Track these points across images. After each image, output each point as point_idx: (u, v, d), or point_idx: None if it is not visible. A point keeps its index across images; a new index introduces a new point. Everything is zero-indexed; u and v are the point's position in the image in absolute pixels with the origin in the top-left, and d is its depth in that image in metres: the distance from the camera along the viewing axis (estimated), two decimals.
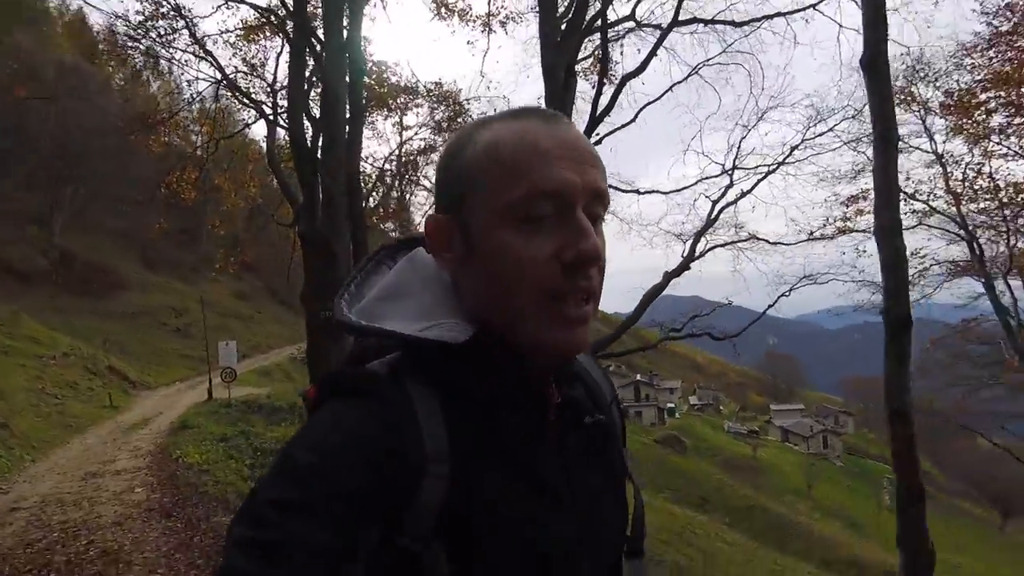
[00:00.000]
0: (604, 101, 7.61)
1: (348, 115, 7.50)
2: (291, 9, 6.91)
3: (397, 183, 13.93)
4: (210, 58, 8.67)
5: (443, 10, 9.70)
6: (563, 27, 7.56)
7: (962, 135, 10.65)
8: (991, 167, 10.49)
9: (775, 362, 62.19)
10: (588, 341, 0.65)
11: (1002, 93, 10.23)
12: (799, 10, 8.21)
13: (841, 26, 8.29)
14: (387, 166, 13.67)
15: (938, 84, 10.85)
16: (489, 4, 9.09)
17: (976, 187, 10.64)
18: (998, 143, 10.31)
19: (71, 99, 23.90)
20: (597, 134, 7.54)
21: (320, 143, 7.21)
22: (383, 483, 0.56)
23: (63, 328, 21.27)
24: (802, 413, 54.77)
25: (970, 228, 10.95)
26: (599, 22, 7.60)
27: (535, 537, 0.63)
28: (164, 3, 8.49)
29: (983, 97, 10.53)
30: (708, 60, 8.80)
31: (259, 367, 26.98)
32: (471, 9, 9.63)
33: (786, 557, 25.59)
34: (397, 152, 13.24)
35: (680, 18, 7.32)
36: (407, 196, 14.59)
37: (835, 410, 55.84)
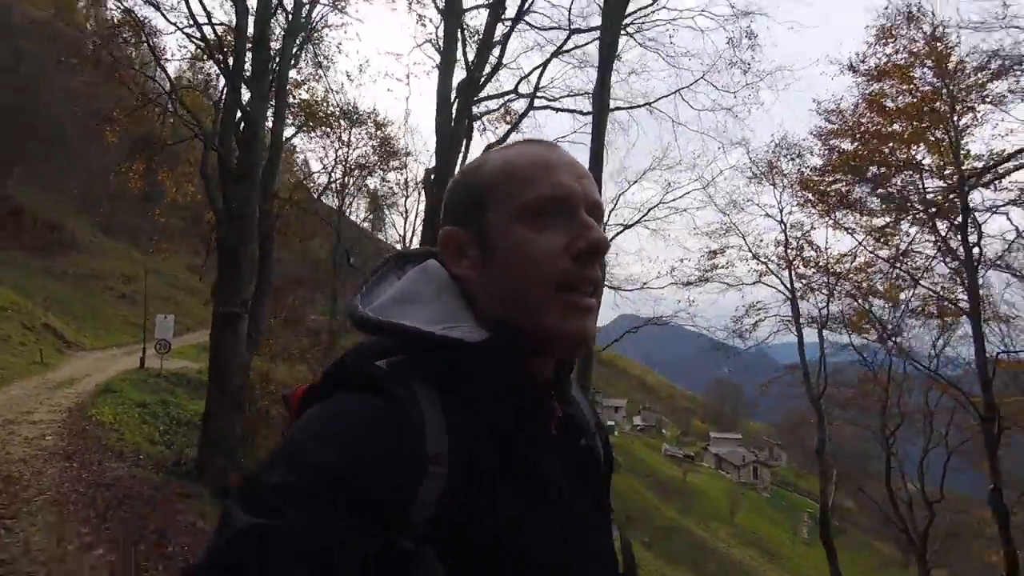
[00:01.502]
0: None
1: (270, 145, 9.15)
2: (225, 56, 8.47)
3: (339, 192, 15.62)
4: (164, 72, 10.25)
5: (381, 53, 11.39)
6: (454, 94, 9.31)
7: (808, 208, 12.82)
8: (826, 238, 12.64)
9: (721, 390, 64.89)
10: (595, 332, 0.75)
11: (838, 176, 12.43)
12: (634, 106, 10.15)
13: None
14: (333, 175, 15.35)
15: (796, 163, 13.03)
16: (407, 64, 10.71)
17: (804, 256, 12.86)
18: (829, 222, 12.43)
19: (37, 57, 24.62)
20: None
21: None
22: (389, 483, 0.57)
23: (8, 281, 22.14)
24: (738, 443, 57.47)
25: (794, 289, 13.16)
26: (486, 92, 9.34)
27: (531, 545, 0.63)
28: (130, 15, 10.00)
29: (829, 179, 12.70)
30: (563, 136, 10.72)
31: (201, 342, 28.03)
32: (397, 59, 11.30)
33: None
34: (343, 164, 14.91)
35: (535, 105, 9.15)
36: (348, 203, 16.27)
37: (770, 442, 58.71)
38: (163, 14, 9.24)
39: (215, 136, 9.21)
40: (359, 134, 13.93)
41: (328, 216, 17.16)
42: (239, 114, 8.95)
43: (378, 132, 13.72)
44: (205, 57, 9.41)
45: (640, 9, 9.52)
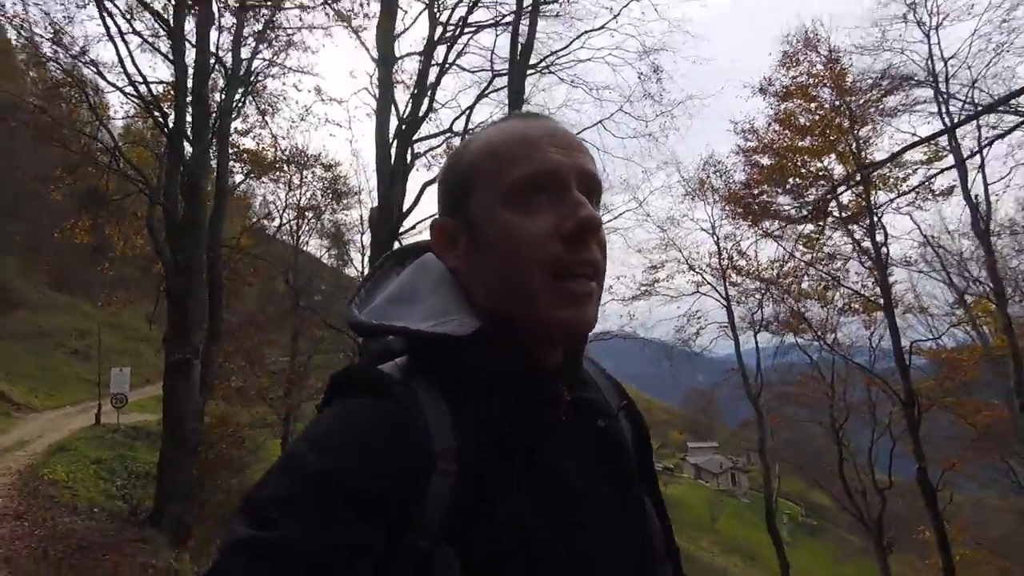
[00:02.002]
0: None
1: (215, 195, 9.54)
2: (166, 117, 8.88)
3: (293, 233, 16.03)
4: (106, 130, 10.57)
5: (323, 99, 11.97)
6: (392, 136, 9.89)
7: (738, 220, 13.80)
8: (755, 247, 13.59)
9: (696, 399, 66.13)
10: (594, 319, 0.67)
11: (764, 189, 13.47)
12: None
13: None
14: (285, 216, 15.73)
15: (724, 178, 14.06)
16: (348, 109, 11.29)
17: (736, 265, 13.82)
18: (758, 232, 13.40)
19: None
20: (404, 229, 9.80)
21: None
22: (391, 482, 0.56)
23: None
24: (715, 450, 58.35)
25: (728, 296, 14.10)
26: (425, 130, 9.96)
27: (544, 537, 0.62)
28: (69, 77, 10.33)
29: (756, 192, 13.72)
30: None
31: (160, 393, 27.58)
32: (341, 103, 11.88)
33: None
34: (294, 208, 15.36)
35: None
36: (305, 242, 16.66)
37: (747, 448, 59.84)
38: (102, 75, 9.63)
39: (160, 190, 9.54)
40: (308, 177, 14.43)
41: (285, 256, 17.48)
42: (182, 167, 9.35)
43: (327, 174, 14.22)
44: (145, 116, 9.75)
45: (553, 53, 10.31)
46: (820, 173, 13.54)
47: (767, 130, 13.46)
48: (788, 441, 22.75)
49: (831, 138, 13.25)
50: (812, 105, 13.17)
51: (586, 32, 10.08)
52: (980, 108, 8.24)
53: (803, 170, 13.31)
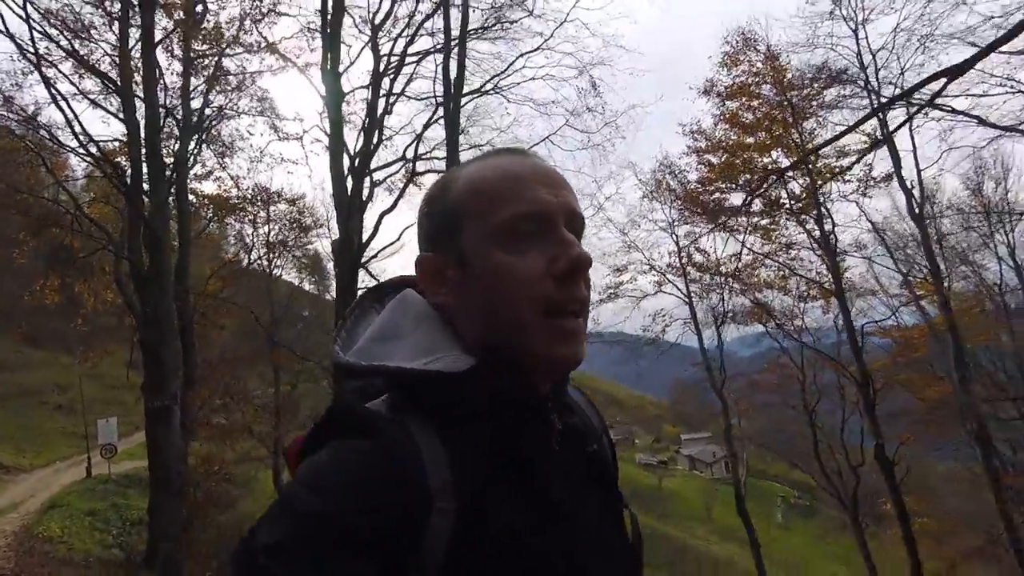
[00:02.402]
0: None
1: (178, 244, 9.87)
2: (123, 173, 9.20)
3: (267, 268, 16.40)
4: (65, 191, 10.84)
5: (280, 136, 12.35)
6: (346, 169, 10.30)
7: (695, 219, 14.40)
8: (714, 242, 14.21)
9: (682, 391, 66.93)
10: (584, 354, 0.69)
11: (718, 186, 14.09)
12: None
13: None
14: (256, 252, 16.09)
15: (679, 178, 14.67)
16: (303, 145, 11.69)
17: (695, 262, 14.43)
18: (716, 228, 14.00)
19: None
20: (366, 258, 10.21)
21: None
22: (388, 524, 0.56)
23: None
24: (708, 440, 59.03)
25: (690, 293, 14.72)
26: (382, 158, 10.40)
27: (551, 565, 0.63)
28: (23, 142, 10.57)
29: (711, 189, 14.34)
30: None
31: None
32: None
33: None
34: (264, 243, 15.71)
35: (418, 170, 10.32)
36: (279, 274, 16.98)
37: (739, 436, 60.60)
38: (54, 139, 9.89)
39: (124, 244, 9.84)
40: (274, 212, 14.77)
41: (262, 289, 17.76)
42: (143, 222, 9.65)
43: (291, 208, 14.58)
44: (100, 175, 10.05)
45: (497, 75, 10.81)
46: (769, 168, 14.17)
47: (714, 130, 14.11)
48: (767, 427, 23.36)
49: (776, 133, 13.91)
50: (756, 103, 13.82)
51: (523, 54, 10.59)
52: (887, 99, 8.87)
53: (752, 166, 13.94)
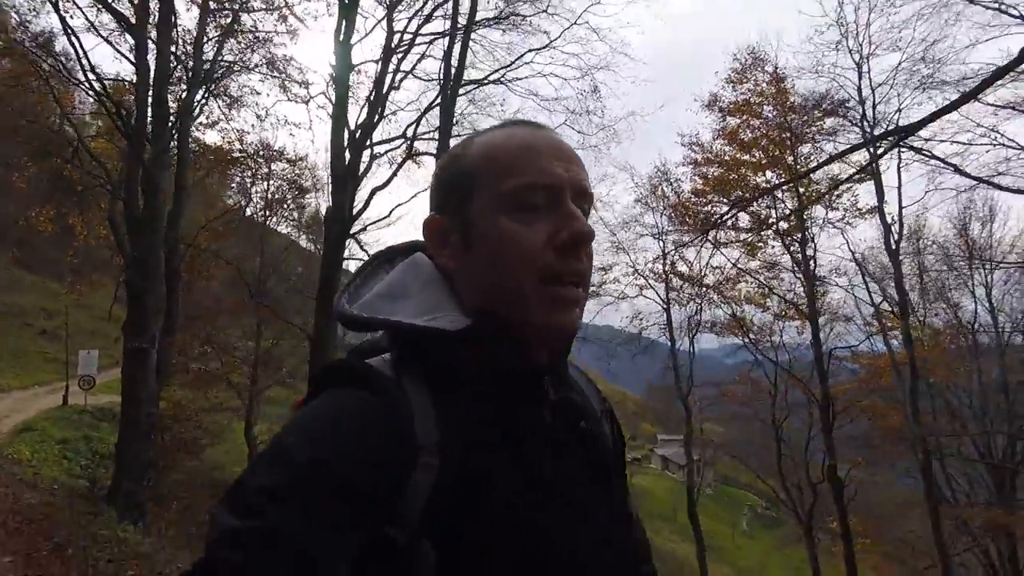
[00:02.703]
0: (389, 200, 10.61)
1: (175, 192, 10.09)
2: (130, 115, 9.37)
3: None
4: (70, 123, 11.00)
5: (288, 94, 12.51)
6: (346, 140, 10.49)
7: (683, 228, 14.69)
8: (699, 253, 14.55)
9: (655, 391, 67.66)
10: (578, 324, 0.71)
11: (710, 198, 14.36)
12: None
13: None
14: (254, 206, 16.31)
15: (674, 186, 14.93)
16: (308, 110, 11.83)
17: (677, 270, 14.78)
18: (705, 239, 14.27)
19: None
20: (355, 230, 10.45)
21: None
22: (376, 474, 0.58)
23: None
24: (682, 443, 59.78)
25: (668, 300, 15.09)
26: (370, 139, 10.58)
27: (528, 535, 0.63)
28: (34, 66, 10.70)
29: (703, 201, 14.59)
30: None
31: None
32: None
33: None
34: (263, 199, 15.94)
35: (416, 150, 10.52)
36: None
37: (714, 441, 61.45)
38: (65, 69, 10.04)
39: (121, 184, 10.05)
40: (276, 170, 14.95)
41: (256, 239, 17.96)
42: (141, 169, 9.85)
43: (292, 168, 14.76)
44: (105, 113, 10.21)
45: (504, 67, 10.95)
46: (763, 186, 14.41)
47: (712, 144, 14.32)
48: (738, 437, 23.88)
49: (773, 154, 14.13)
50: (756, 122, 14.02)
51: (532, 50, 10.72)
52: (874, 135, 9.10)
53: (745, 183, 14.19)
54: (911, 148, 8.48)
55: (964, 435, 12.86)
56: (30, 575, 5.05)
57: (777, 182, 13.31)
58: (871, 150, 11.43)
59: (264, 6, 11.39)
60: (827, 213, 13.55)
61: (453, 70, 8.89)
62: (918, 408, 11.12)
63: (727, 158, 14.32)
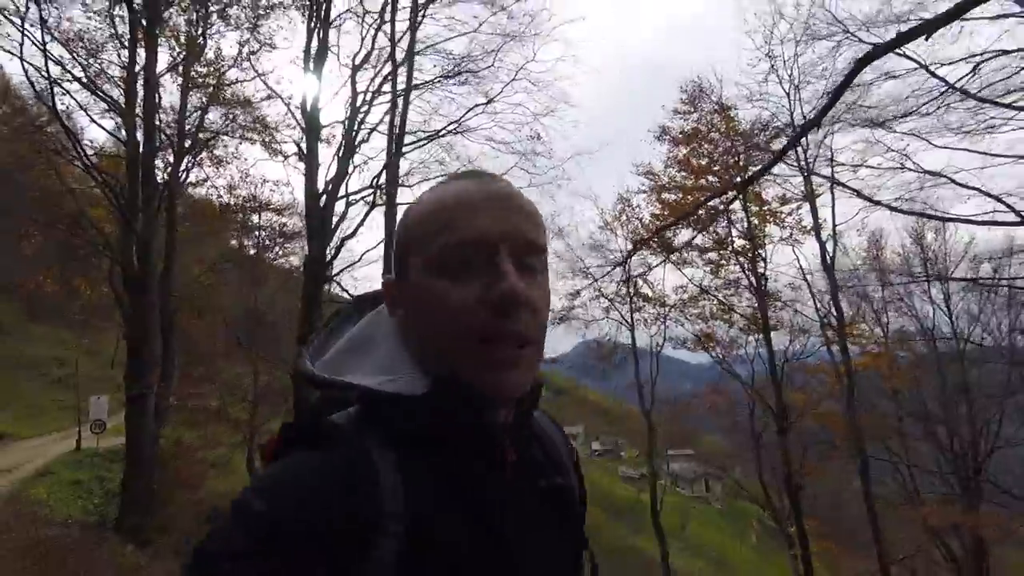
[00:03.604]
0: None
1: (165, 254, 11.42)
2: (122, 189, 10.74)
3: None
4: (72, 196, 12.39)
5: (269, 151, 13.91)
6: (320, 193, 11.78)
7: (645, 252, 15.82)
8: (664, 276, 15.68)
9: (661, 408, 67.77)
10: (523, 384, 0.68)
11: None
12: None
13: None
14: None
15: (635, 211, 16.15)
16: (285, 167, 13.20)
17: (641, 293, 15.91)
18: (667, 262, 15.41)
19: None
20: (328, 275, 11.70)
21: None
22: (339, 539, 0.58)
23: None
24: (691, 458, 60.09)
25: (633, 320, 16.20)
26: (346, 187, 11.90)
27: None
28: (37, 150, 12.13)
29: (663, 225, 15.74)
30: None
31: None
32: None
33: None
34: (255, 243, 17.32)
35: (379, 201, 11.83)
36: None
37: (722, 456, 61.65)
38: (60, 152, 11.40)
39: (118, 249, 11.39)
40: (264, 219, 16.33)
41: (255, 274, 19.27)
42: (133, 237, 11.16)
43: (278, 217, 16.16)
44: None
45: (454, 122, 12.31)
46: (716, 209, 15.54)
47: (664, 172, 15.55)
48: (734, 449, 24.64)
49: (724, 177, 15.28)
50: (707, 147, 15.24)
51: (478, 105, 12.06)
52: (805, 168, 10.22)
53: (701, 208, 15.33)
54: (822, 176, 9.60)
55: (892, 436, 13.72)
56: None
57: (715, 198, 14.44)
58: (805, 174, 12.60)
59: (242, 78, 12.84)
60: (780, 232, 14.67)
61: (396, 134, 10.21)
62: (855, 412, 12.06)
63: (683, 183, 15.51)
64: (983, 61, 7.47)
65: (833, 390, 14.04)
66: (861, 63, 4.00)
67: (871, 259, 16.24)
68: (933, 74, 8.55)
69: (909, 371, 14.96)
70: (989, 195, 8.68)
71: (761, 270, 14.15)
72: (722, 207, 13.29)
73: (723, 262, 16.18)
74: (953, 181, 9.04)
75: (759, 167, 11.27)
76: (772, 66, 13.05)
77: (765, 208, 14.80)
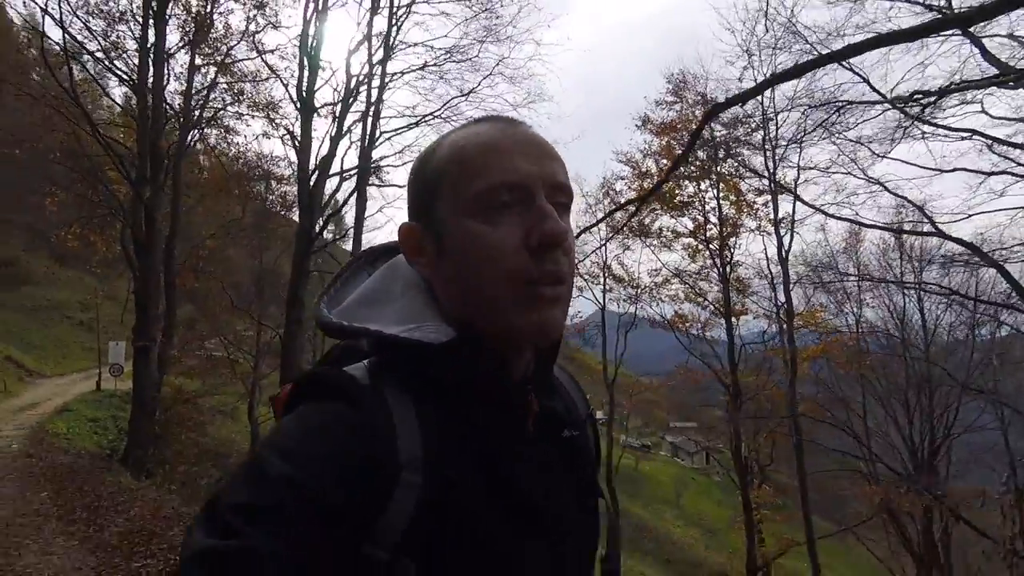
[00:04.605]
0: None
1: (171, 221, 12.77)
2: (128, 161, 12.00)
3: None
4: (89, 159, 13.71)
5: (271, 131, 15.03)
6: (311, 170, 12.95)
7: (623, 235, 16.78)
8: (638, 259, 16.67)
9: (682, 378, 68.92)
10: (563, 324, 0.70)
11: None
12: None
13: None
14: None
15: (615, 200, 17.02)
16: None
17: (615, 274, 16.91)
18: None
19: None
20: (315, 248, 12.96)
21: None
22: (356, 492, 0.58)
23: None
24: (694, 431, 61.55)
25: (605, 300, 17.29)
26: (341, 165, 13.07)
27: (508, 552, 0.65)
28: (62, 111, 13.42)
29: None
30: None
31: None
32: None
33: (632, 555, 31.88)
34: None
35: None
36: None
37: (716, 431, 63.03)
38: (82, 120, 12.64)
39: (130, 214, 12.73)
40: (266, 189, 17.56)
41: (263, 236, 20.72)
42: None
43: (279, 186, 17.40)
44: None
45: (430, 114, 13.31)
46: (695, 196, 16.39)
47: (643, 160, 16.35)
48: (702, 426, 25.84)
49: (704, 167, 16.05)
50: (686, 137, 15.93)
51: (453, 98, 13.02)
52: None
53: (679, 193, 16.17)
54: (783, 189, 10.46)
55: (825, 419, 14.72)
56: (60, 503, 7.76)
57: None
58: (770, 170, 13.34)
59: (247, 56, 13.89)
60: (753, 223, 15.49)
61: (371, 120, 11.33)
62: (794, 394, 13.13)
63: (663, 169, 16.27)
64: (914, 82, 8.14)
65: (785, 373, 15.05)
66: (708, 115, 4.88)
67: (848, 249, 16.93)
68: (874, 88, 9.22)
69: (876, 359, 15.81)
70: (914, 204, 9.44)
71: (728, 258, 15.03)
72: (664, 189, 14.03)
73: (700, 247, 17.07)
74: (886, 189, 9.79)
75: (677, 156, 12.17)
76: (749, 63, 13.60)
77: (741, 199, 15.56)
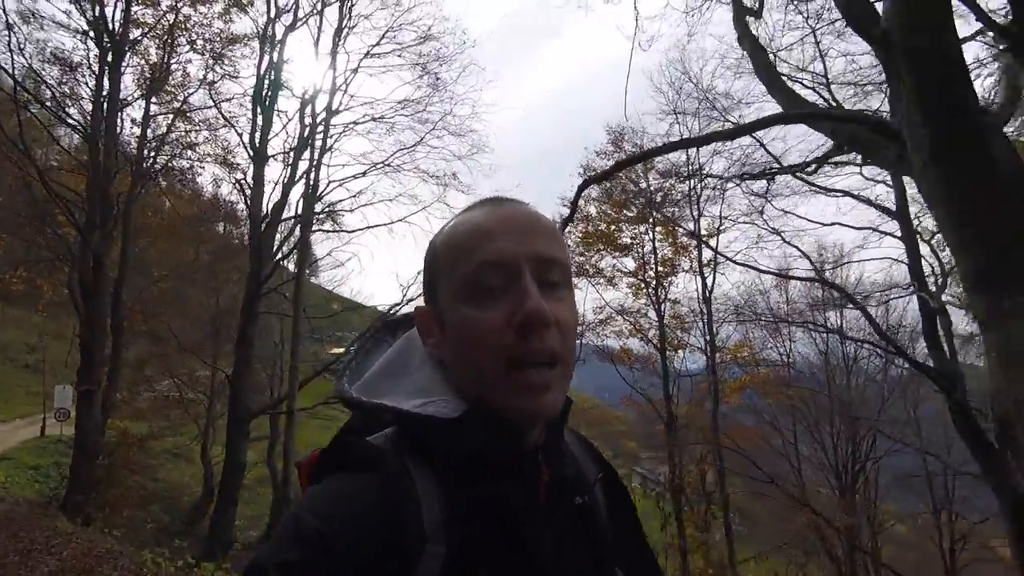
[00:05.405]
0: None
1: (119, 265, 13.15)
2: (78, 208, 12.41)
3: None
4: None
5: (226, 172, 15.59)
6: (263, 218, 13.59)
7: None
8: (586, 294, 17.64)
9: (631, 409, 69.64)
10: (554, 407, 0.72)
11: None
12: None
13: None
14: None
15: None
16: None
17: None
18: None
19: None
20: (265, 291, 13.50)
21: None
22: (386, 557, 0.63)
23: None
24: (662, 461, 62.08)
25: None
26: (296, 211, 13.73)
27: None
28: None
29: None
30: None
31: None
32: None
33: None
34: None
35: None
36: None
37: (695, 460, 63.74)
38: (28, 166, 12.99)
39: (78, 259, 13.04)
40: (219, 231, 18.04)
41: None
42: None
43: (234, 228, 17.91)
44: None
45: (380, 163, 14.21)
46: (635, 239, 17.52)
47: (585, 207, 17.42)
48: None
49: (643, 212, 17.21)
50: (629, 185, 17.11)
51: (399, 150, 14.10)
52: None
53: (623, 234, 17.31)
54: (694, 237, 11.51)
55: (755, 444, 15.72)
56: None
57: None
58: (695, 218, 14.47)
59: (204, 104, 14.54)
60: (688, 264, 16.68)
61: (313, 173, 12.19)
62: (716, 424, 14.25)
63: (607, 217, 17.43)
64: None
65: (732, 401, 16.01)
66: (581, 188, 5.69)
67: (780, 286, 18.17)
68: (771, 154, 10.33)
69: (797, 391, 16.96)
70: (803, 253, 10.61)
71: (663, 297, 16.14)
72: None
73: (641, 286, 18.09)
74: (782, 239, 10.94)
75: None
76: (676, 119, 14.86)
77: (677, 243, 16.78)
